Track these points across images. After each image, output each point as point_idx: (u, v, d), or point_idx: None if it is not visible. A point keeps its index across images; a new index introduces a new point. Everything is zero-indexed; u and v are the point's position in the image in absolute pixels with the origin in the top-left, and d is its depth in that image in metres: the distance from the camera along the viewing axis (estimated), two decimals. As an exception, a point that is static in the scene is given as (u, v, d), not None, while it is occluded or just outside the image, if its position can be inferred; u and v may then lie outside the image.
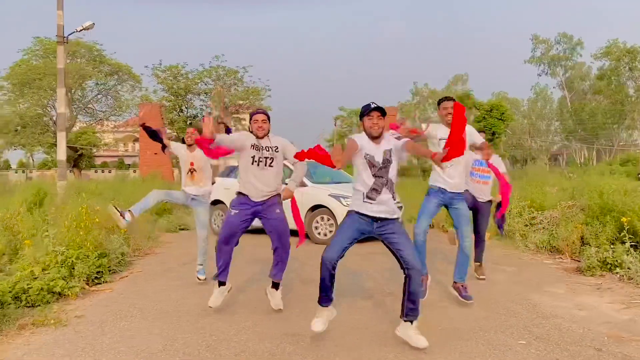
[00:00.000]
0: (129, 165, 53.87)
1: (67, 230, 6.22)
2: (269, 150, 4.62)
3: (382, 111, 3.79)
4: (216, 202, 10.27)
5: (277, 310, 4.73)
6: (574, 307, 4.86)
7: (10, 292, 4.90)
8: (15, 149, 40.36)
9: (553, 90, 57.05)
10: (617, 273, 6.08)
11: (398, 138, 3.97)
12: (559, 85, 55.42)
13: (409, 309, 3.79)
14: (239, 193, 4.67)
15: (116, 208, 5.69)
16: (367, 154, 3.79)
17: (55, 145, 37.00)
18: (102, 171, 49.31)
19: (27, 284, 5.05)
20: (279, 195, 4.73)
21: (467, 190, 5.72)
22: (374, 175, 3.79)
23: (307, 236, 9.06)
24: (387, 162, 3.80)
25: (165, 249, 8.79)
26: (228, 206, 9.56)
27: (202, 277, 6.09)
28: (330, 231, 8.87)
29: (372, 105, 3.80)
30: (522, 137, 57.96)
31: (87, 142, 39.33)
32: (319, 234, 9.01)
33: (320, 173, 10.09)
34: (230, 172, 10.72)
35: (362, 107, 3.87)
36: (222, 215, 10.10)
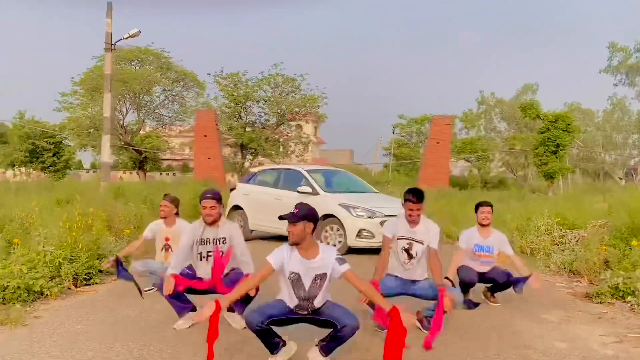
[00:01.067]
0: (192, 168, 55.56)
1: (63, 231, 6.37)
2: (217, 244, 4.43)
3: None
4: (236, 208, 10.31)
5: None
6: (557, 338, 4.41)
7: (-10, 289, 5.06)
8: (86, 150, 42.60)
9: (631, 101, 53.65)
10: (629, 302, 5.51)
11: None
12: (638, 96, 52.10)
13: (329, 347, 3.55)
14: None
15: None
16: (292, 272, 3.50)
17: (124, 148, 39.00)
18: (167, 174, 51.10)
19: (7, 282, 5.19)
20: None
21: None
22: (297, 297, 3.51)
23: None
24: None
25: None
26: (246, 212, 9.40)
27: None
28: (340, 242, 8.64)
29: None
30: (594, 150, 55.00)
31: (151, 146, 40.83)
32: (328, 244, 8.79)
33: (337, 182, 9.91)
34: (250, 178, 10.73)
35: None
36: (240, 222, 10.07)
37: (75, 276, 5.96)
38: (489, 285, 5.61)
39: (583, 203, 11.45)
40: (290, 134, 36.14)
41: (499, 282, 5.47)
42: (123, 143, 38.67)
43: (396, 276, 4.55)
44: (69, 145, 41.74)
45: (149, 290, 5.74)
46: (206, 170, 26.73)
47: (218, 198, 4.47)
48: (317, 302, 3.49)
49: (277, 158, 33.25)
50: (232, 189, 10.81)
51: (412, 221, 4.49)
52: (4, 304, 5.01)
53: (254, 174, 10.86)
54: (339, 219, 8.66)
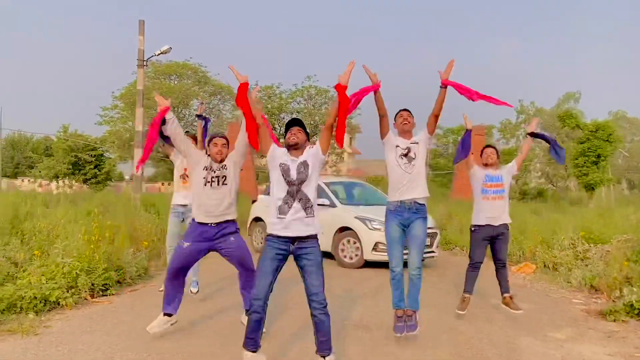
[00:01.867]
0: (227, 179, 56.38)
1: (82, 243, 6.60)
2: (220, 170, 4.58)
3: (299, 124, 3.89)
4: (257, 220, 10.46)
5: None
6: (558, 357, 4.32)
7: (9, 299, 5.30)
8: (126, 162, 43.87)
9: (681, 108, 51.69)
10: (643, 320, 5.34)
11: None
12: (685, 103, 50.17)
13: (319, 342, 3.68)
14: (193, 220, 4.66)
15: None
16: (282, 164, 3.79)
17: (162, 160, 39.88)
18: (204, 185, 52.01)
19: (25, 292, 5.42)
20: (233, 221, 4.67)
21: (478, 227, 5.47)
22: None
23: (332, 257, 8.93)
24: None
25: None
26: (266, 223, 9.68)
27: (194, 289, 6.23)
28: (357, 255, 8.64)
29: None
30: (640, 161, 53.19)
31: (189, 158, 41.71)
32: (345, 257, 8.80)
33: (357, 194, 9.92)
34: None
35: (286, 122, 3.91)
36: (262, 233, 10.20)
37: (92, 287, 6.17)
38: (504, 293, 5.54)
39: (614, 216, 11.09)
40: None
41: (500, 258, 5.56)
42: (163, 156, 39.62)
43: (394, 214, 4.70)
44: (110, 158, 43.03)
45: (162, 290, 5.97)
46: (240, 182, 27.09)
47: (227, 139, 4.71)
48: (306, 189, 3.74)
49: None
50: (253, 201, 10.97)
51: (406, 131, 4.75)
52: (20, 313, 5.24)
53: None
54: (355, 232, 8.67)
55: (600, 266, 7.34)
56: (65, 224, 8.21)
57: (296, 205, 3.67)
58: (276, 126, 33.67)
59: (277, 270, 3.71)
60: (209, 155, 4.64)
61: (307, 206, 3.69)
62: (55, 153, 43.01)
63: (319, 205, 9.11)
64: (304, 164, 3.76)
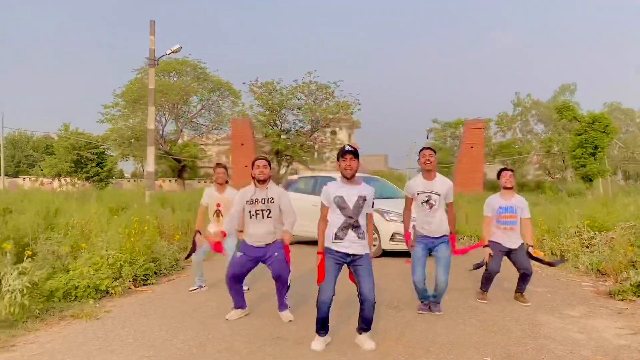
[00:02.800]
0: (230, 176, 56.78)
1: (122, 236, 7.04)
2: (264, 203, 5.00)
3: (354, 154, 4.18)
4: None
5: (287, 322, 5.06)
6: (575, 330, 4.79)
7: (64, 288, 5.75)
8: (127, 160, 44.19)
9: (674, 99, 52.15)
10: (649, 299, 5.82)
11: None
12: (679, 93, 50.61)
13: (362, 328, 4.26)
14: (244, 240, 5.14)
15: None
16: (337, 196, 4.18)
17: (163, 157, 40.20)
18: (205, 181, 52.34)
19: (78, 282, 5.86)
20: (278, 240, 5.07)
21: (494, 242, 5.88)
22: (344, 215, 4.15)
23: None
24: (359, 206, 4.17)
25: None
26: None
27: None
28: (374, 245, 9.11)
29: (347, 148, 4.18)
30: (636, 151, 53.66)
31: (189, 154, 42.04)
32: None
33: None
34: (289, 185, 11.28)
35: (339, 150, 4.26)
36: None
37: (134, 277, 6.61)
38: (518, 285, 6.00)
39: (615, 205, 11.58)
40: (325, 141, 36.75)
41: (522, 268, 5.86)
42: (163, 152, 39.89)
43: (421, 238, 5.27)
44: (112, 155, 43.28)
45: (192, 289, 6.40)
46: (244, 177, 27.55)
47: (269, 161, 5.15)
48: (359, 219, 4.19)
49: (312, 164, 33.81)
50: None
51: (428, 170, 5.19)
52: (75, 301, 5.68)
53: (292, 182, 11.43)
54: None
55: (606, 252, 7.81)
56: (98, 220, 8.64)
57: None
58: (277, 122, 34.03)
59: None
60: (253, 178, 5.07)
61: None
62: (56, 151, 43.18)
63: None
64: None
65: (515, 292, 6.06)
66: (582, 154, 29.44)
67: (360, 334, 4.29)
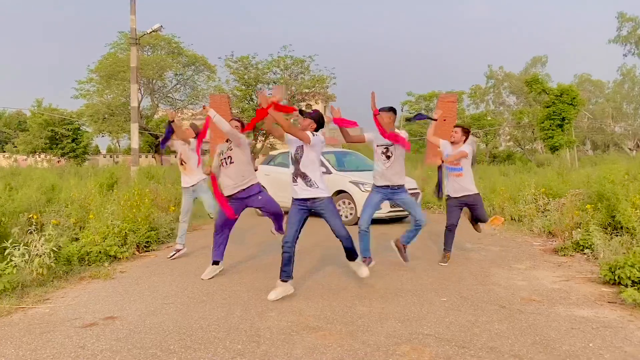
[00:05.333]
0: (206, 151, 57.00)
1: (123, 208, 7.78)
2: (226, 151, 5.89)
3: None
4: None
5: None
6: (519, 279, 5.75)
7: (78, 254, 6.49)
8: (103, 136, 44.11)
9: (642, 71, 53.51)
10: (585, 254, 6.83)
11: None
12: (647, 65, 52.01)
13: (349, 257, 5.25)
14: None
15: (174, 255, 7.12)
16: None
17: (140, 133, 40.27)
18: (182, 156, 52.50)
19: (90, 249, 6.61)
20: (255, 185, 5.97)
21: (451, 197, 6.68)
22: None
23: None
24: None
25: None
26: (267, 191, 10.82)
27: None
28: (351, 214, 10.01)
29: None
30: (604, 122, 55.37)
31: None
32: (341, 216, 10.15)
33: (349, 161, 11.20)
34: (270, 160, 12.06)
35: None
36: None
37: (137, 244, 7.38)
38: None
39: (570, 175, 12.69)
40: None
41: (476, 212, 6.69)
42: (139, 128, 39.94)
43: (378, 188, 6.09)
44: (87, 131, 43.16)
45: (171, 256, 7.12)
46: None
47: (242, 122, 6.13)
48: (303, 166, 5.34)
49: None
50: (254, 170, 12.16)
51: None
52: (89, 265, 6.44)
53: (273, 156, 12.21)
54: (350, 195, 10.02)
55: (556, 216, 8.84)
56: (96, 194, 9.33)
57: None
58: (253, 97, 34.43)
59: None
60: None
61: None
62: (30, 128, 42.91)
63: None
64: None
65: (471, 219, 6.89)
66: (550, 125, 30.59)
67: (351, 262, 5.23)
